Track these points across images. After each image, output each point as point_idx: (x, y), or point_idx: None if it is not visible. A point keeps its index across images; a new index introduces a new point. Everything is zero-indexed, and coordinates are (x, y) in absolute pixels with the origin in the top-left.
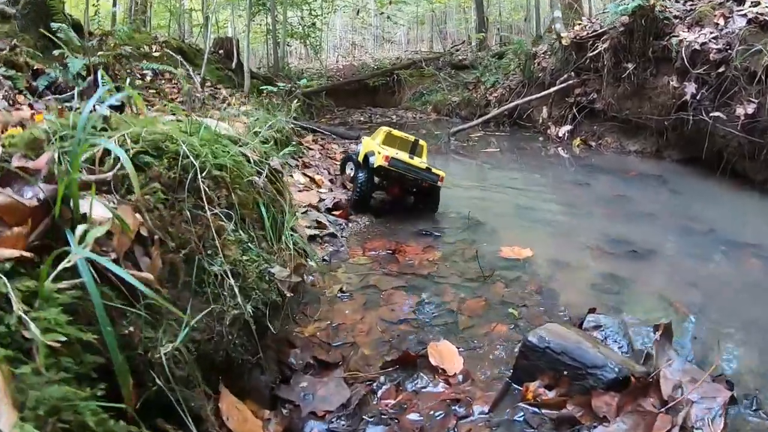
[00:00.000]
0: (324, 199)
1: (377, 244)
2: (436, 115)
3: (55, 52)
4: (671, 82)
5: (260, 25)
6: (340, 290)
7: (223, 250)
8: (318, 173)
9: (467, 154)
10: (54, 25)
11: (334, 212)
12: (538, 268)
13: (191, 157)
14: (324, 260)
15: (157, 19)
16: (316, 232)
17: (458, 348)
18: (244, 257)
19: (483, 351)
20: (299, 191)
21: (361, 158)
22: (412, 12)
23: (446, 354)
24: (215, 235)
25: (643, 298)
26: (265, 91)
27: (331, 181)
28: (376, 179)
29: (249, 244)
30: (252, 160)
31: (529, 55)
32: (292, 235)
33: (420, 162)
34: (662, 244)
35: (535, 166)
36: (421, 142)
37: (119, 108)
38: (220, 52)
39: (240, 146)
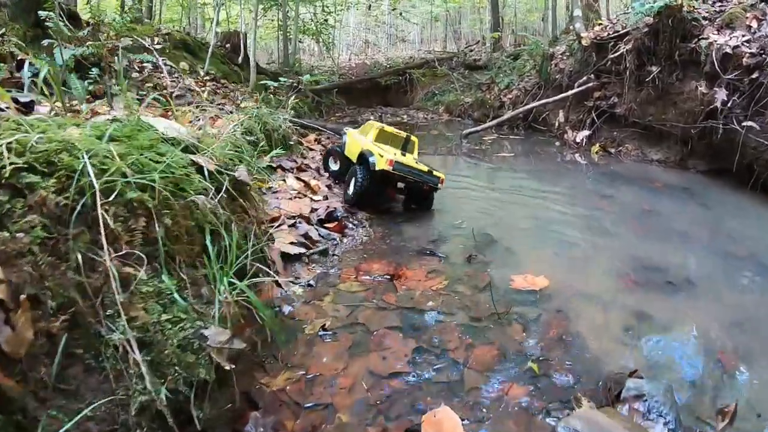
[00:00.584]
0: (317, 209)
1: (374, 266)
2: (448, 116)
3: (44, 42)
4: (699, 88)
5: (272, 20)
6: (323, 327)
7: (127, 309)
8: (315, 177)
9: (480, 157)
10: (42, 14)
11: (327, 225)
12: (560, 302)
13: (91, 175)
14: (309, 285)
15: (170, 13)
16: (303, 249)
17: (462, 419)
18: (163, 317)
19: (494, 425)
20: (290, 199)
21: (352, 155)
22: (427, 11)
23: (447, 429)
24: (117, 287)
25: (686, 347)
26: (270, 87)
27: (329, 186)
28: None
29: (176, 295)
30: (207, 172)
31: (545, 55)
32: (253, 265)
33: (421, 164)
34: (699, 271)
35: (551, 172)
36: (413, 137)
37: (28, 105)
38: (227, 46)
39: (191, 153)
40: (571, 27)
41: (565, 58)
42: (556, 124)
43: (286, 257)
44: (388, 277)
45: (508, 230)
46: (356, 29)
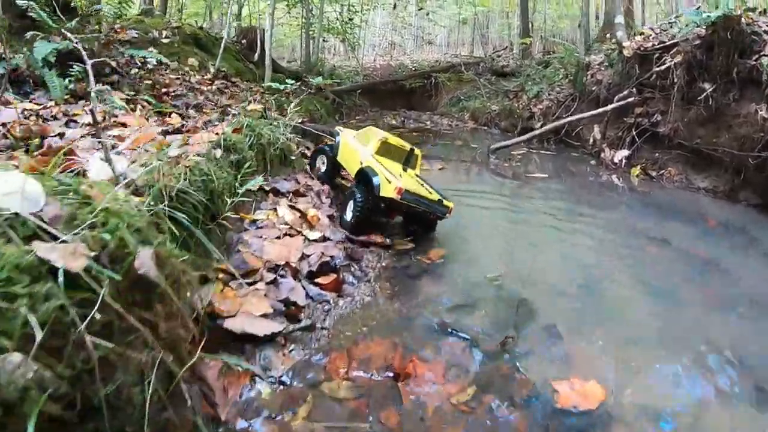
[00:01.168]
0: (309, 255)
1: (373, 350)
2: (473, 123)
3: (28, 35)
4: (760, 112)
5: (296, 18)
6: None
7: None
8: (316, 204)
9: (508, 175)
10: (21, 2)
11: (319, 280)
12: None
13: None
14: (281, 382)
15: (194, 8)
16: (279, 327)
17: None
18: None
19: None
20: (278, 238)
21: (345, 162)
22: (454, 14)
23: None
24: None
25: None
26: (282, 88)
27: (330, 217)
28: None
29: None
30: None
31: (581, 65)
32: None
33: (429, 189)
34: None
35: (588, 198)
36: (416, 151)
37: None
38: (243, 42)
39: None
40: (607, 35)
41: (602, 68)
42: (591, 140)
43: (253, 339)
44: (392, 375)
45: (546, 292)
46: (382, 30)
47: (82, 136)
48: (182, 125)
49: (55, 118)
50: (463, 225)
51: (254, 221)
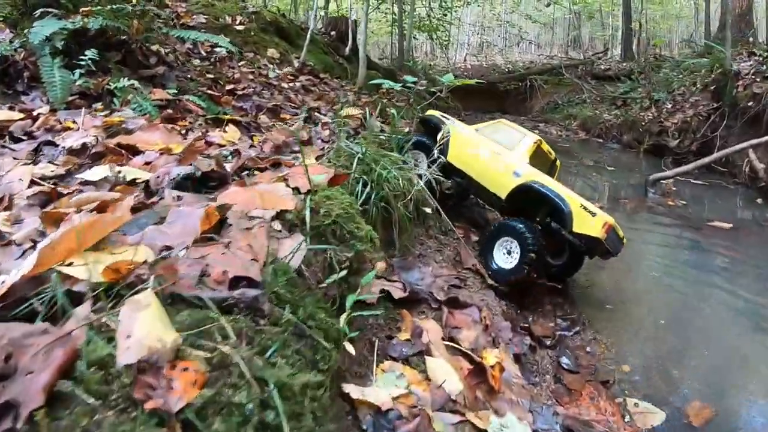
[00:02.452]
0: None
1: None
2: (584, 134)
3: (37, 12)
4: None
5: (386, 14)
6: None
7: None
8: (496, 337)
9: (679, 222)
10: None
11: None
12: None
13: None
14: None
15: (281, 4)
16: None
17: None
18: None
19: None
20: None
21: (468, 167)
22: (549, 12)
23: None
24: None
25: None
26: (383, 87)
27: (517, 358)
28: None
29: None
30: None
31: (729, 74)
32: None
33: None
34: None
35: None
36: (558, 162)
37: None
38: (332, 33)
39: None
40: (748, 36)
41: (758, 80)
42: (747, 168)
43: None
44: None
45: None
46: (472, 28)
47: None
48: (232, 153)
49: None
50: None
51: (379, 411)
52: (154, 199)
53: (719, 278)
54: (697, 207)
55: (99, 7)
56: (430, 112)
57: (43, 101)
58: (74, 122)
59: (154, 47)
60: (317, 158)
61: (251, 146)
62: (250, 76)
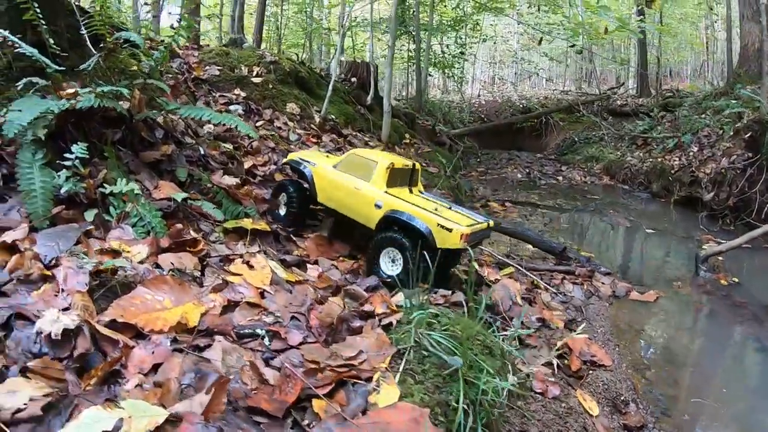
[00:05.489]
0: None
1: None
2: (609, 178)
3: (19, 84)
4: None
5: (400, 50)
6: None
7: None
8: None
9: (740, 318)
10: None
11: None
12: None
13: None
14: None
15: (293, 38)
16: None
17: None
18: None
19: None
20: None
21: (335, 203)
22: (562, 47)
23: None
24: None
25: None
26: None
27: None
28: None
29: None
30: None
31: (764, 123)
32: None
33: (477, 218)
34: None
35: None
36: (417, 165)
37: None
38: (353, 80)
39: None
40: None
41: None
42: None
43: None
44: None
45: None
46: (485, 63)
47: None
48: (269, 336)
49: None
50: None
51: None
52: None
53: None
54: (754, 284)
55: (88, 89)
56: (291, 155)
57: (20, 213)
58: (52, 274)
59: (160, 117)
60: (389, 366)
61: (293, 316)
62: (270, 143)
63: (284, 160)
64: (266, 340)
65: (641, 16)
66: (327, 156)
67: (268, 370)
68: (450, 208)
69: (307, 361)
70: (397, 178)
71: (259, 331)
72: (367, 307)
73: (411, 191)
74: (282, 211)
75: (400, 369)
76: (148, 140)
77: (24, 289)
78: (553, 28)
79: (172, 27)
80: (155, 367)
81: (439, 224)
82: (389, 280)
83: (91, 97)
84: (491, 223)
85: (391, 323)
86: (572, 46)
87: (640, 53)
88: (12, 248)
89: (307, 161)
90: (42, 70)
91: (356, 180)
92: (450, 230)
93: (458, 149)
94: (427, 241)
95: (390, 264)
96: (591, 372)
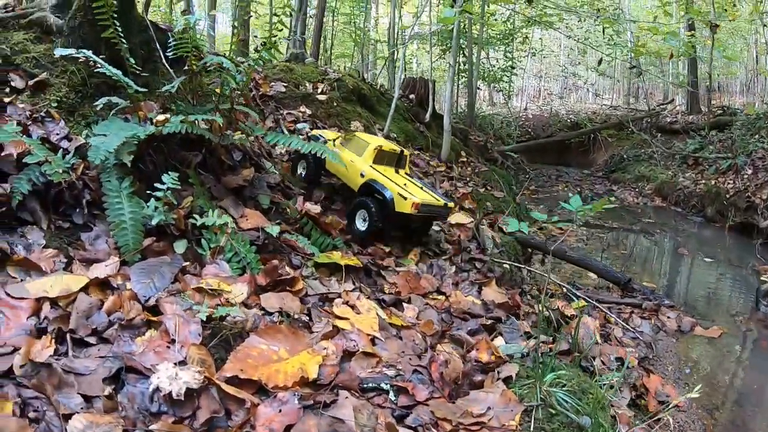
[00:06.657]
0: None
1: None
2: (661, 200)
3: (98, 104)
4: None
5: (446, 61)
6: None
7: None
8: None
9: None
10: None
11: None
12: None
13: None
14: None
15: (341, 48)
16: None
17: None
18: None
19: None
20: None
21: (339, 173)
22: (609, 62)
23: None
24: None
25: None
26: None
27: None
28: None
29: None
30: None
31: None
32: None
33: (431, 192)
34: None
35: None
36: (406, 151)
37: None
38: (411, 97)
39: None
40: None
41: None
42: None
43: None
44: None
45: None
46: (531, 76)
47: None
48: (395, 391)
49: None
50: None
51: None
52: None
53: None
54: None
55: (180, 117)
56: (314, 131)
57: (108, 244)
58: (158, 320)
59: (237, 138)
60: (519, 424)
61: (416, 369)
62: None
63: (311, 132)
64: (391, 395)
65: (692, 31)
66: (337, 135)
67: (403, 429)
68: (422, 188)
69: (439, 419)
70: (384, 158)
71: (383, 385)
72: (473, 354)
73: (397, 172)
74: (302, 173)
75: (531, 428)
76: (228, 163)
77: (127, 334)
78: (604, 43)
79: (256, 50)
80: (287, 429)
81: (399, 193)
82: (359, 236)
83: (182, 124)
84: (450, 204)
85: (510, 377)
86: (633, 67)
87: (691, 69)
88: (103, 283)
89: (324, 138)
90: (117, 86)
91: (352, 155)
92: (405, 198)
93: (511, 166)
94: (388, 205)
95: (362, 222)
96: (666, 413)
